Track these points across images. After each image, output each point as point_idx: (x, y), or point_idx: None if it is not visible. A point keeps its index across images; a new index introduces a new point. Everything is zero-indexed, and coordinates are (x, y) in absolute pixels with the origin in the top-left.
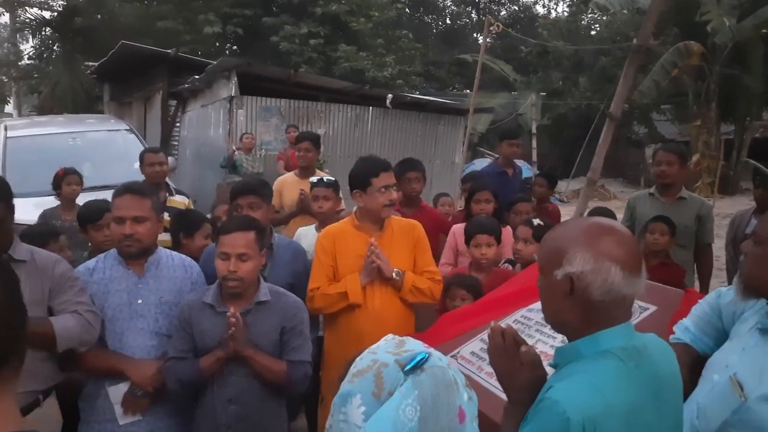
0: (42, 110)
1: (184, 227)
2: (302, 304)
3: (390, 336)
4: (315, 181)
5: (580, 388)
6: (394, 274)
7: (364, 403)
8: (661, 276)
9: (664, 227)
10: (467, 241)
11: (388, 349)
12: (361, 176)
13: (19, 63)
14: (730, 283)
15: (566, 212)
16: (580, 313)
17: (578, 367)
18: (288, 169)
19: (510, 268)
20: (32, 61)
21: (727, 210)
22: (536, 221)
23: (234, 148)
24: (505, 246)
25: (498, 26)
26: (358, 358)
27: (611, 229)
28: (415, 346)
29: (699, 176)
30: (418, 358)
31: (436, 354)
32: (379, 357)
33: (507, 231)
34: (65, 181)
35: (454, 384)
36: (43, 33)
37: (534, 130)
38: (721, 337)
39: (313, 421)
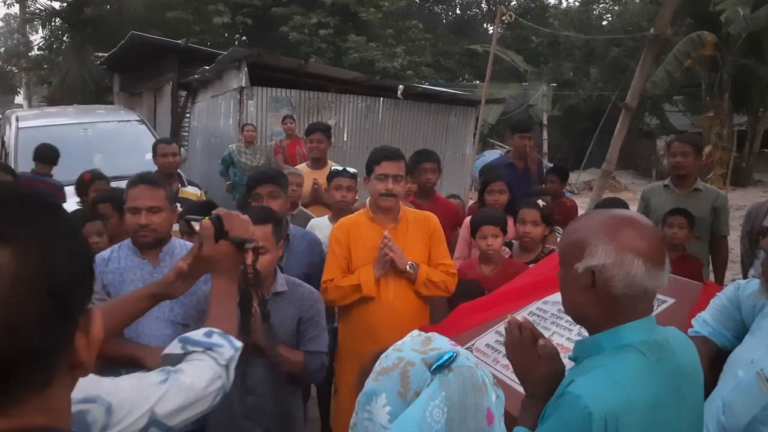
0: (52, 101)
1: None
2: (319, 295)
3: (416, 332)
4: (339, 170)
5: (602, 383)
6: (408, 267)
7: (390, 403)
8: (681, 269)
9: (683, 221)
10: (473, 233)
11: (414, 346)
12: (368, 163)
13: (29, 54)
14: (745, 275)
15: (578, 204)
16: (602, 306)
17: (599, 361)
18: (286, 161)
19: (507, 250)
20: (42, 52)
21: (740, 202)
22: (540, 202)
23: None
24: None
25: (510, 15)
26: (383, 355)
27: (634, 221)
28: (442, 344)
29: (711, 168)
30: (446, 357)
31: (463, 353)
32: (405, 355)
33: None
34: (93, 188)
35: (482, 385)
36: (53, 23)
37: (545, 122)
38: (741, 329)
39: (326, 412)
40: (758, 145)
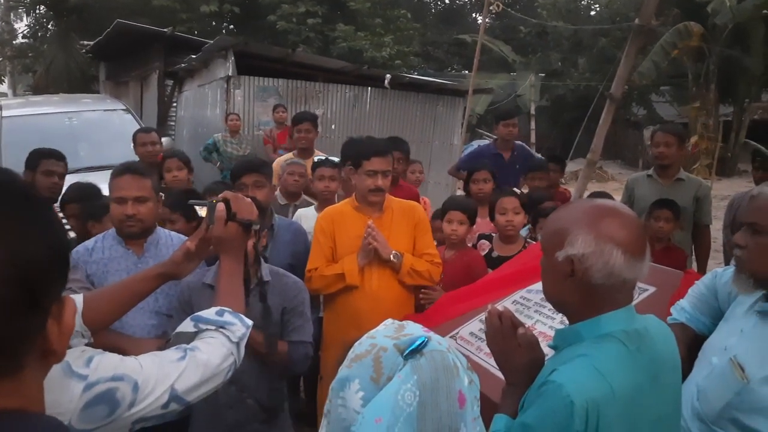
0: (37, 90)
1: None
2: (303, 285)
3: (390, 320)
4: (322, 159)
5: (584, 372)
6: (392, 257)
7: (363, 388)
8: (665, 260)
9: (669, 214)
10: (441, 216)
11: (387, 333)
12: (355, 155)
13: (14, 42)
14: (727, 264)
15: None
16: (581, 295)
17: (580, 350)
18: (275, 151)
19: (487, 243)
20: (27, 40)
21: (725, 192)
22: (516, 190)
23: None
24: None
25: (498, 5)
26: (356, 343)
27: (615, 211)
28: (414, 330)
29: (697, 158)
30: (417, 342)
31: (435, 338)
32: (378, 341)
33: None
34: (165, 167)
35: (454, 368)
36: (37, 11)
37: (533, 112)
38: (717, 316)
39: (313, 400)
40: (743, 135)
